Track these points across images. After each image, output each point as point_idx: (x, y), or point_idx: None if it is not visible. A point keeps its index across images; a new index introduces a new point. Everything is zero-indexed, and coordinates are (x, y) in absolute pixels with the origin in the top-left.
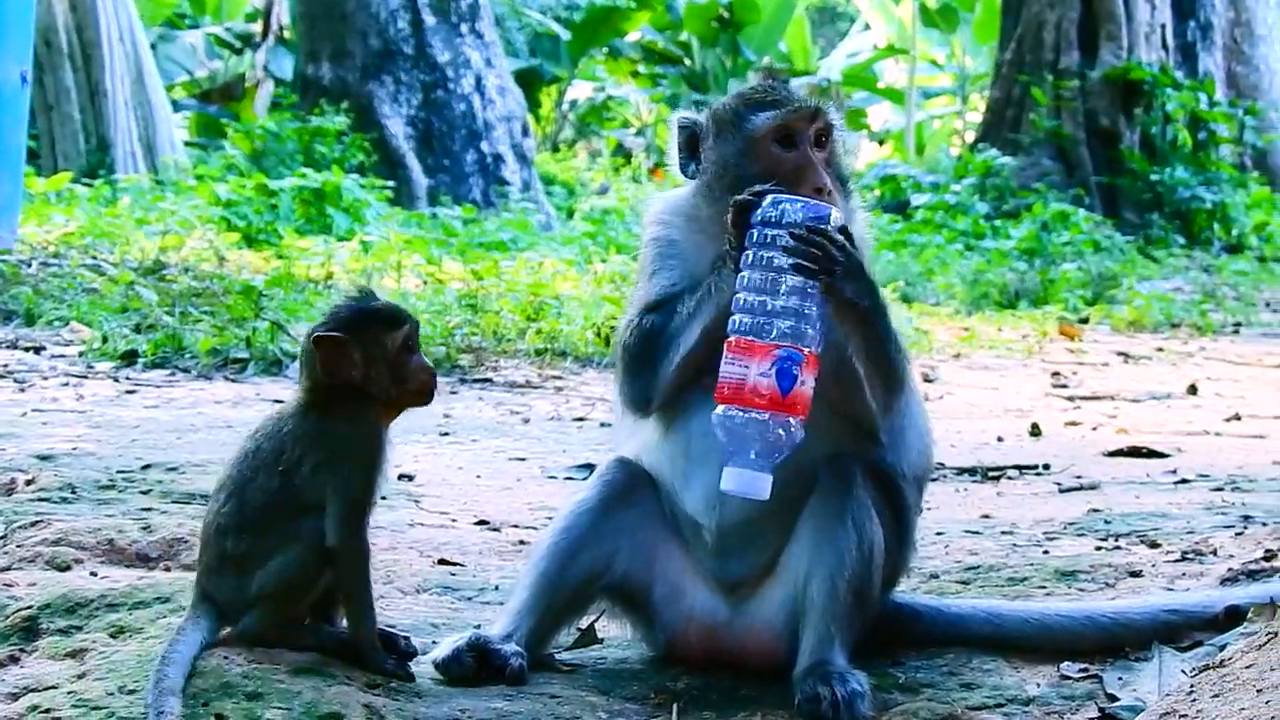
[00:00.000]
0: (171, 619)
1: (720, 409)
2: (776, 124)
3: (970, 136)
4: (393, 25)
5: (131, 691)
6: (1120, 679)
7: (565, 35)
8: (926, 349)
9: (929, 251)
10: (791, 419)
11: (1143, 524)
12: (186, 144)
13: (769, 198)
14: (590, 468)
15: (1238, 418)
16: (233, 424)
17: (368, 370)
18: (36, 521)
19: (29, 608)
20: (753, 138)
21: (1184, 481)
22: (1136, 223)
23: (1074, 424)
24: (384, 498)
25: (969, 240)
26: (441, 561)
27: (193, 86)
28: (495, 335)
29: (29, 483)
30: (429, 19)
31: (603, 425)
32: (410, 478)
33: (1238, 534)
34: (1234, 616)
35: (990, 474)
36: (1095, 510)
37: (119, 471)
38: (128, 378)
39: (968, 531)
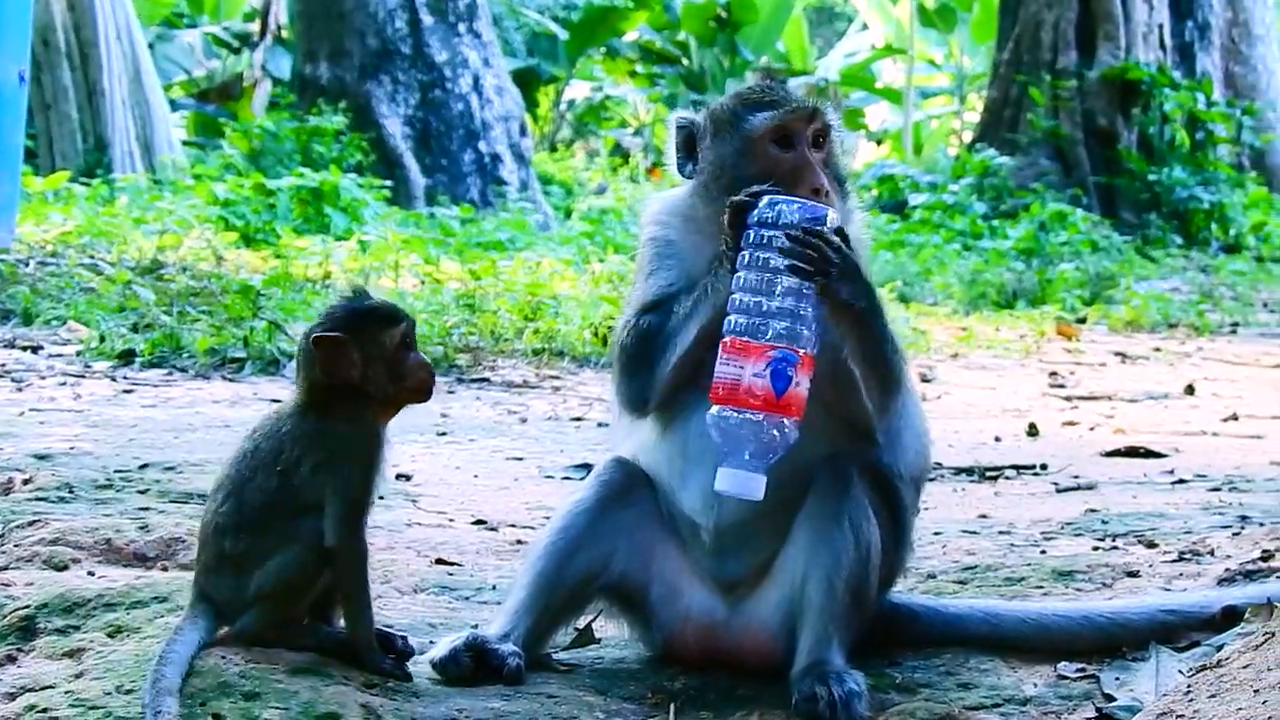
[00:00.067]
0: (169, 619)
1: (715, 409)
2: (774, 124)
3: (968, 136)
4: (390, 25)
5: (129, 691)
6: (1117, 679)
7: (563, 35)
8: (924, 349)
9: (927, 251)
10: (786, 420)
11: (1140, 524)
12: (184, 143)
13: (765, 198)
14: (588, 467)
15: (1235, 418)
16: (230, 423)
17: (366, 369)
18: (34, 521)
19: (26, 607)
20: (750, 138)
21: (1181, 482)
22: (1134, 223)
23: (1071, 424)
24: (381, 497)
25: (967, 240)
26: (439, 561)
27: (190, 86)
28: (493, 335)
29: (26, 482)
30: (427, 19)
31: (600, 425)
32: (408, 477)
33: (1235, 534)
34: (1231, 617)
35: (988, 474)
36: (1092, 510)
37: (116, 471)
38: (125, 377)
39: (965, 531)
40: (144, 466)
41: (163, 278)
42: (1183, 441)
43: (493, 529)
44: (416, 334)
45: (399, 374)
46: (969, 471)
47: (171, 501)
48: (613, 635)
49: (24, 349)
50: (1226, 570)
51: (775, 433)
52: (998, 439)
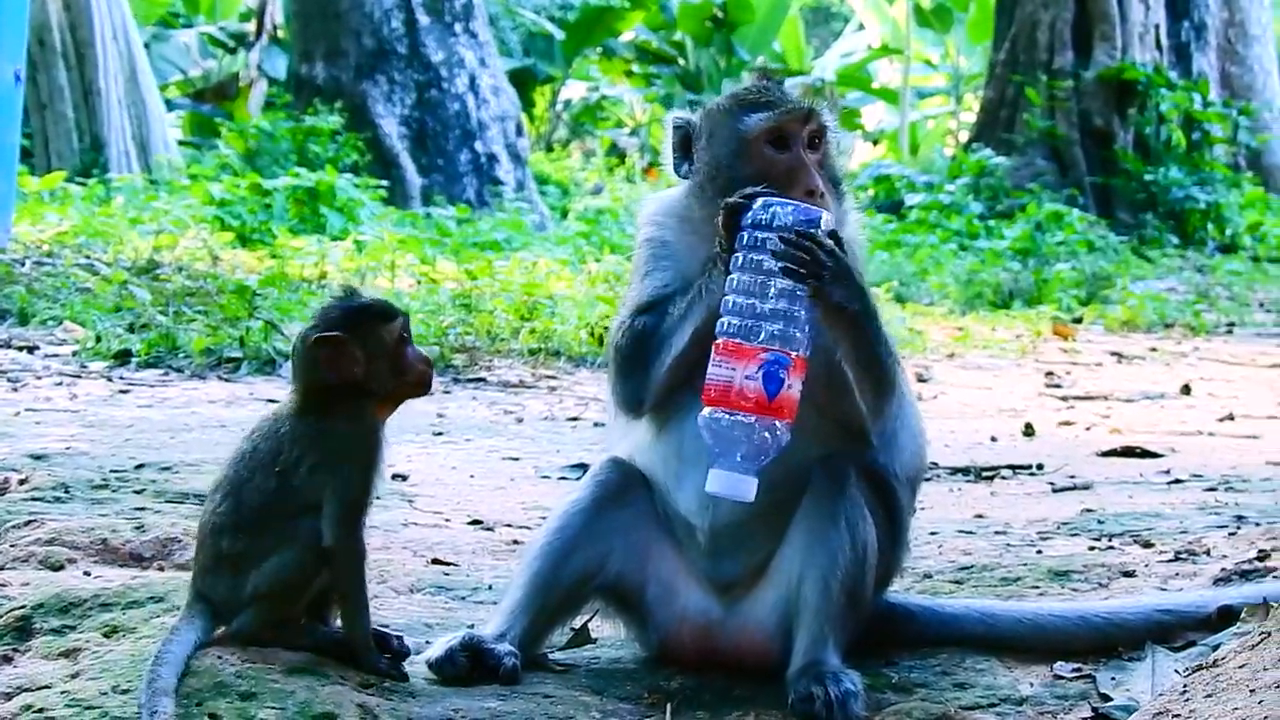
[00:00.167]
0: (165, 619)
1: (707, 411)
2: (769, 125)
3: (964, 136)
4: (386, 25)
5: (125, 691)
6: (1114, 679)
7: (559, 35)
8: (920, 349)
9: (923, 251)
10: (778, 422)
11: (1136, 524)
12: (180, 143)
13: (760, 200)
14: (584, 467)
15: (1231, 418)
16: (226, 423)
17: (369, 366)
18: (30, 521)
19: (22, 607)
20: (745, 139)
21: (1177, 481)
22: (1130, 223)
23: (1068, 424)
24: (378, 497)
25: (963, 240)
26: (435, 561)
27: (186, 86)
28: (489, 335)
29: (22, 482)
30: (423, 18)
31: (596, 425)
32: (404, 477)
33: (1231, 534)
34: (1227, 616)
35: (984, 474)
36: (1089, 510)
37: (112, 471)
38: (121, 377)
39: (961, 531)
40: (140, 466)
41: (159, 278)
42: (1179, 441)
43: (489, 529)
44: (413, 333)
45: (400, 369)
46: (965, 471)
47: (167, 501)
48: (609, 635)
49: (20, 349)
50: (1222, 570)
51: (767, 435)
52: (994, 439)
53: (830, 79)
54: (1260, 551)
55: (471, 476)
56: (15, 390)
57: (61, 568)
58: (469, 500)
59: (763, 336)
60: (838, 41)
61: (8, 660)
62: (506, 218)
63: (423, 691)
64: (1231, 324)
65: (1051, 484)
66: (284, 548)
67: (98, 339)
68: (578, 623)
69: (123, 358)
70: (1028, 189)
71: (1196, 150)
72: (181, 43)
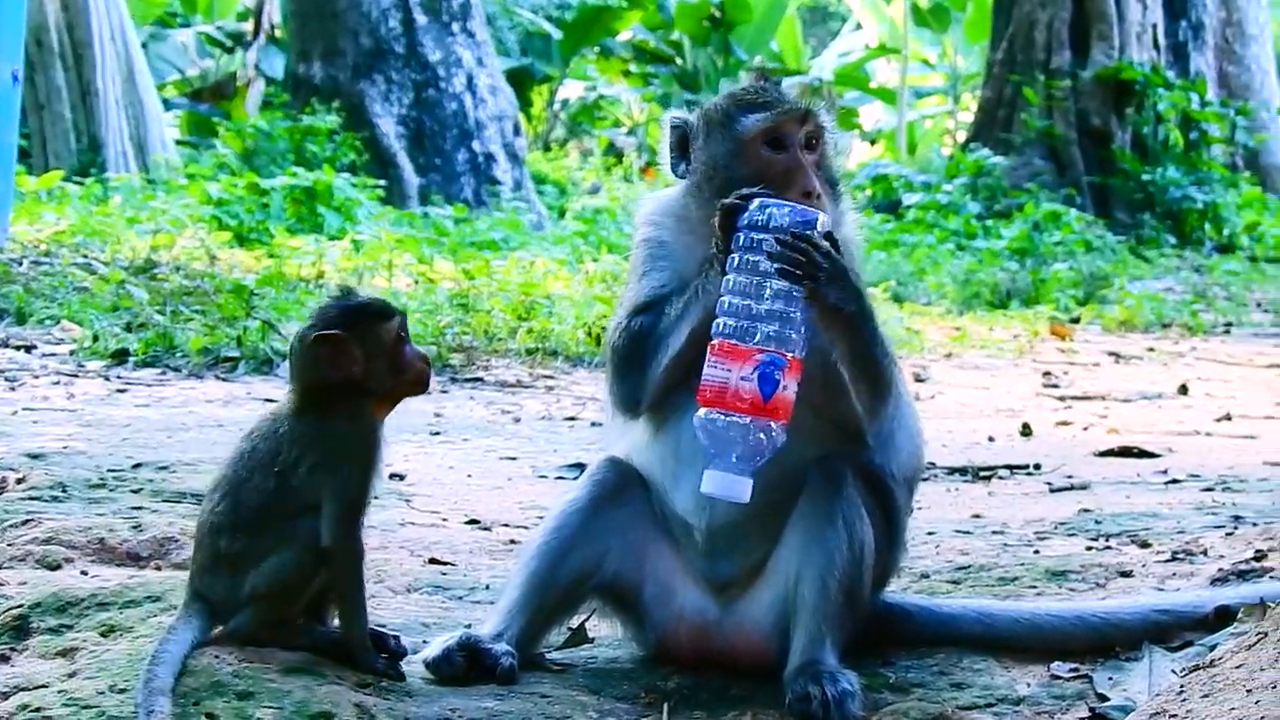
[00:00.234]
0: (162, 618)
1: (702, 412)
2: (766, 126)
3: (962, 136)
4: (384, 24)
5: (122, 690)
6: (1111, 679)
7: (557, 34)
8: (918, 349)
9: (920, 251)
10: (773, 423)
11: (1133, 524)
12: (178, 143)
13: (756, 202)
14: (581, 467)
15: (1228, 418)
16: (224, 423)
17: (368, 365)
18: (27, 520)
19: (19, 606)
20: (742, 139)
21: (1175, 481)
22: (1128, 223)
23: (1065, 424)
24: (376, 497)
25: (960, 240)
26: (432, 561)
27: (184, 85)
28: (486, 334)
29: (19, 481)
30: (420, 18)
31: (594, 425)
32: (401, 477)
33: (1228, 534)
34: (1224, 617)
35: (981, 474)
36: (1086, 510)
37: (110, 470)
38: (119, 376)
39: (958, 531)
40: (137, 466)
41: (156, 277)
42: (1176, 441)
43: (486, 528)
44: (410, 333)
45: (399, 367)
46: (962, 471)
47: (165, 501)
48: (606, 635)
49: (17, 348)
50: (1220, 570)
51: (762, 436)
52: (991, 439)
53: (828, 78)
54: (1257, 552)
55: (469, 476)
56: (13, 389)
57: (59, 567)
58: (466, 500)
59: (758, 338)
60: (835, 41)
61: (5, 659)
62: (504, 217)
63: (420, 691)
64: (1229, 324)
65: (1049, 484)
66: (283, 548)
67: (95, 338)
68: (575, 622)
69: (120, 357)
70: (1025, 189)
71: (1194, 150)
72: (179, 42)
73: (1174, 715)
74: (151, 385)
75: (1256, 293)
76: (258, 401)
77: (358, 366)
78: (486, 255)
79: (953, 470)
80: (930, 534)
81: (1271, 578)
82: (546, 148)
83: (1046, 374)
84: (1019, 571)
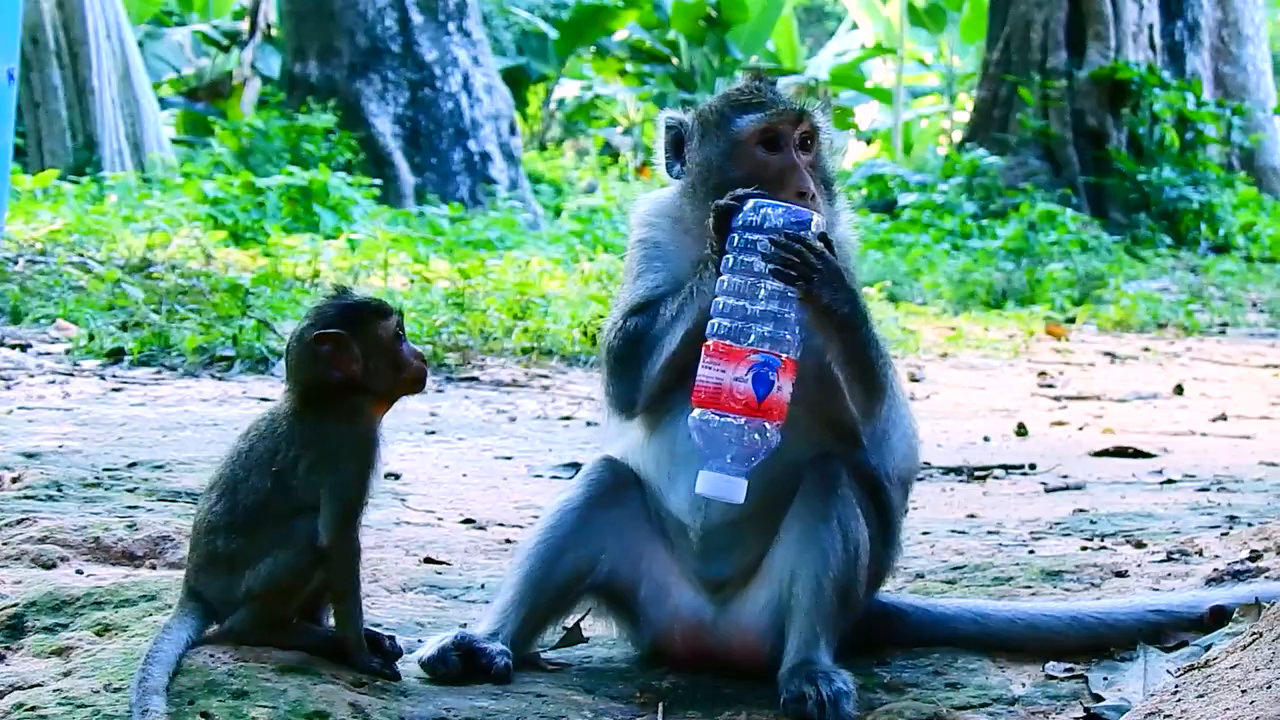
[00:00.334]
0: (157, 617)
1: (697, 412)
2: (761, 127)
3: (958, 136)
4: (380, 23)
5: (117, 689)
6: (1105, 679)
7: (553, 34)
8: (913, 348)
9: (916, 251)
10: (767, 424)
11: (1128, 524)
12: (173, 142)
13: (750, 202)
14: (576, 466)
15: (1224, 418)
16: (219, 422)
17: (367, 363)
18: (22, 519)
19: (14, 605)
20: (737, 140)
21: (1170, 482)
22: (1123, 223)
23: (1060, 424)
24: (371, 497)
25: (956, 240)
26: (427, 560)
27: (180, 84)
28: (482, 334)
29: (15, 480)
30: (416, 17)
31: (589, 424)
32: (397, 476)
33: (1223, 534)
34: (1219, 617)
35: (976, 474)
36: (1081, 510)
37: (105, 469)
38: (114, 375)
39: (954, 531)
40: (133, 465)
41: (152, 276)
42: (1171, 441)
43: (481, 528)
44: (406, 332)
45: (397, 365)
46: (957, 471)
47: (160, 500)
48: (601, 634)
49: (13, 347)
50: (1214, 570)
51: (757, 437)
52: (986, 439)
53: (824, 78)
54: (1252, 552)
55: (464, 475)
56: (8, 388)
57: (54, 566)
58: (461, 499)
59: (753, 338)
60: (831, 41)
61: (0, 658)
62: (499, 216)
63: (415, 690)
64: (1224, 324)
65: (1044, 484)
66: (279, 548)
67: (91, 337)
68: (570, 622)
69: (116, 356)
70: (1021, 189)
71: (1190, 150)
72: (175, 41)
73: (1169, 715)
74: (147, 384)
75: (1252, 293)
76: (253, 401)
77: (356, 365)
78: (482, 254)
79: (948, 470)
80: (925, 534)
81: (1267, 578)
82: (542, 147)
83: (1042, 374)
84: (1014, 571)
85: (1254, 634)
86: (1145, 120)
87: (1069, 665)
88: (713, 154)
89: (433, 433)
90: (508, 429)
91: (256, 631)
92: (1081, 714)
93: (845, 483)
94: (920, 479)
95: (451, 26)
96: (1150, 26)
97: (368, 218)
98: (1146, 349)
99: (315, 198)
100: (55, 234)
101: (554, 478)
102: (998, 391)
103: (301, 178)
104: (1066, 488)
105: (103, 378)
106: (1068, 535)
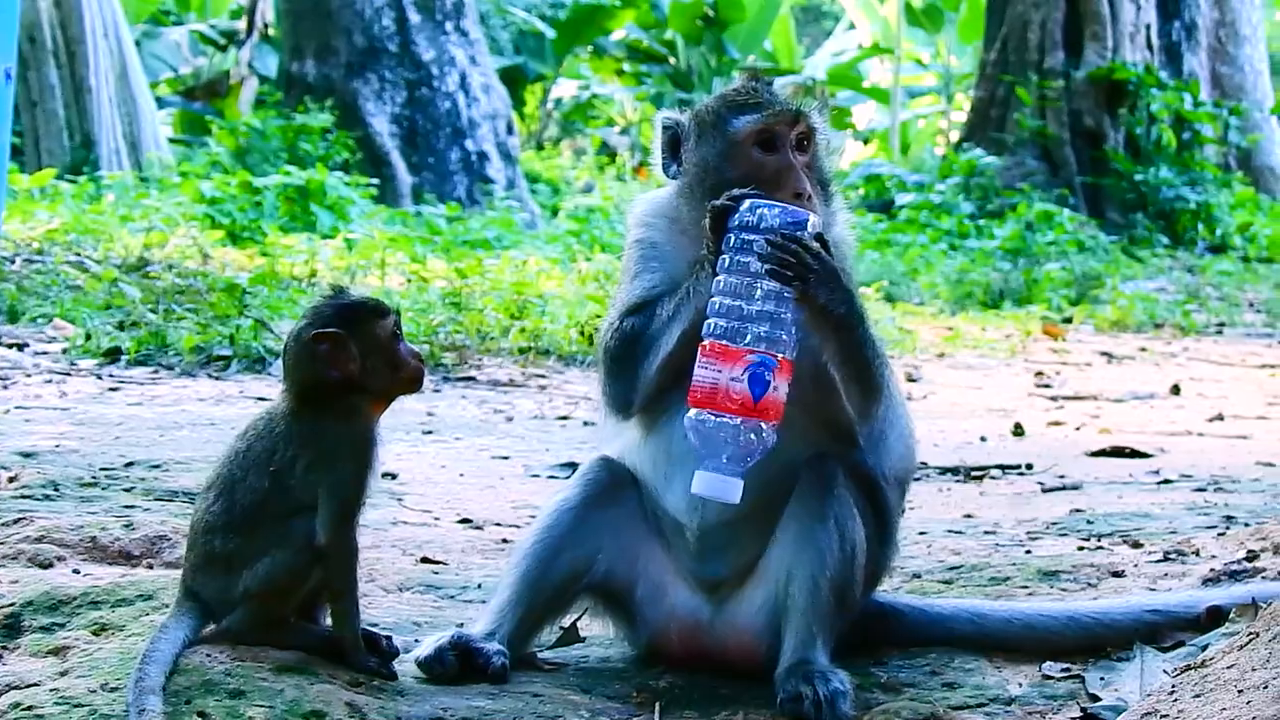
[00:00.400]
0: (154, 616)
1: (693, 412)
2: (757, 127)
3: (955, 136)
4: (377, 23)
5: (114, 689)
6: (1102, 679)
7: (550, 33)
8: (910, 348)
9: (913, 251)
10: (763, 424)
11: (1125, 524)
12: (171, 141)
13: (747, 203)
14: (573, 466)
15: (1221, 418)
16: (216, 421)
17: (364, 363)
18: (19, 519)
19: (11, 605)
20: (734, 140)
21: (1167, 482)
22: (1121, 223)
23: (1057, 424)
24: (369, 497)
25: (953, 240)
26: (424, 560)
27: (177, 83)
28: (479, 333)
29: (11, 480)
30: (414, 16)
31: (586, 424)
32: (393, 476)
33: (1220, 534)
34: (1216, 617)
35: (973, 474)
36: (1078, 510)
37: (102, 469)
38: (111, 375)
39: (950, 531)
40: (130, 464)
41: (149, 275)
42: (1168, 441)
43: (478, 527)
44: (403, 332)
45: (394, 364)
46: (954, 471)
47: (157, 499)
48: (598, 634)
49: (9, 346)
50: (1211, 570)
51: (753, 437)
52: (983, 439)
53: (821, 78)
54: (1249, 552)
55: (461, 475)
56: (5, 388)
57: (50, 565)
58: (458, 499)
59: (749, 339)
60: (828, 40)
61: None
62: (497, 216)
63: (411, 690)
64: (1221, 324)
65: (1041, 484)
66: (277, 548)
67: (88, 336)
68: (567, 621)
69: (112, 355)
70: (1018, 189)
71: (1187, 150)
72: (172, 40)
73: (1165, 715)
74: (144, 384)
75: (1249, 293)
76: (250, 400)
77: (354, 364)
78: (479, 254)
79: (945, 470)
80: (922, 534)
81: (1263, 578)
82: (539, 147)
83: (1039, 374)
84: (1011, 571)
85: (1250, 634)
86: (1142, 120)
87: (1066, 665)
88: (709, 154)
89: (430, 432)
90: (505, 429)
91: (253, 631)
92: (1078, 714)
93: (842, 483)
94: (917, 479)
95: (449, 26)
96: (1147, 27)
97: (365, 217)
98: (1143, 349)
99: (312, 197)
100: (52, 233)
101: (551, 477)
102: (994, 391)
103: (299, 177)
104: (1063, 488)
105: (100, 377)
106: (1064, 535)
